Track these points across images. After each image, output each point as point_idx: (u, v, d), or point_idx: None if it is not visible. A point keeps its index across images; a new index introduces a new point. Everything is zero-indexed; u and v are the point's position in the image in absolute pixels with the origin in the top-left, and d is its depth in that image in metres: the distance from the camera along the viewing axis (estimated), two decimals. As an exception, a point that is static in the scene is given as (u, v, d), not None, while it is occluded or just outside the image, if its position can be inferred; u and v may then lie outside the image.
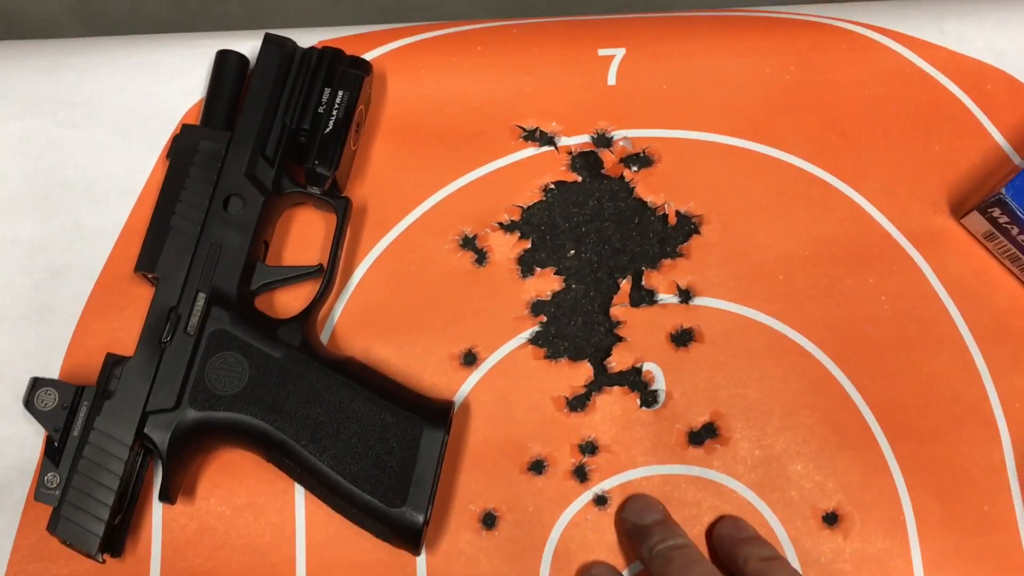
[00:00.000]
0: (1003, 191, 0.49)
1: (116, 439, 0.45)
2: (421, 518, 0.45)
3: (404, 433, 0.46)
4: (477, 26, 0.57)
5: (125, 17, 1.43)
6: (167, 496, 0.46)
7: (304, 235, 0.53)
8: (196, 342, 0.46)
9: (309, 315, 0.48)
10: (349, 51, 0.54)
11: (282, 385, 0.46)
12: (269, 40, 0.51)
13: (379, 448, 0.46)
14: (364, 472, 0.45)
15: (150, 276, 0.48)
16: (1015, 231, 0.49)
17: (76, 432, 0.45)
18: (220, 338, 0.47)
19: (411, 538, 0.45)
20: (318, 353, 0.47)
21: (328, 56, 0.51)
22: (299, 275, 0.50)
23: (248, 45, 0.53)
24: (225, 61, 0.52)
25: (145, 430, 0.45)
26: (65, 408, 0.45)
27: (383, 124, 0.55)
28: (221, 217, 0.48)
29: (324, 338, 0.51)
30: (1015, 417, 0.50)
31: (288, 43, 0.51)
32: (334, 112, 0.50)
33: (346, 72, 0.51)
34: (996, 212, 0.50)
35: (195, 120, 0.53)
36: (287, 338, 0.47)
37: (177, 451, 0.46)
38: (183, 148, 0.50)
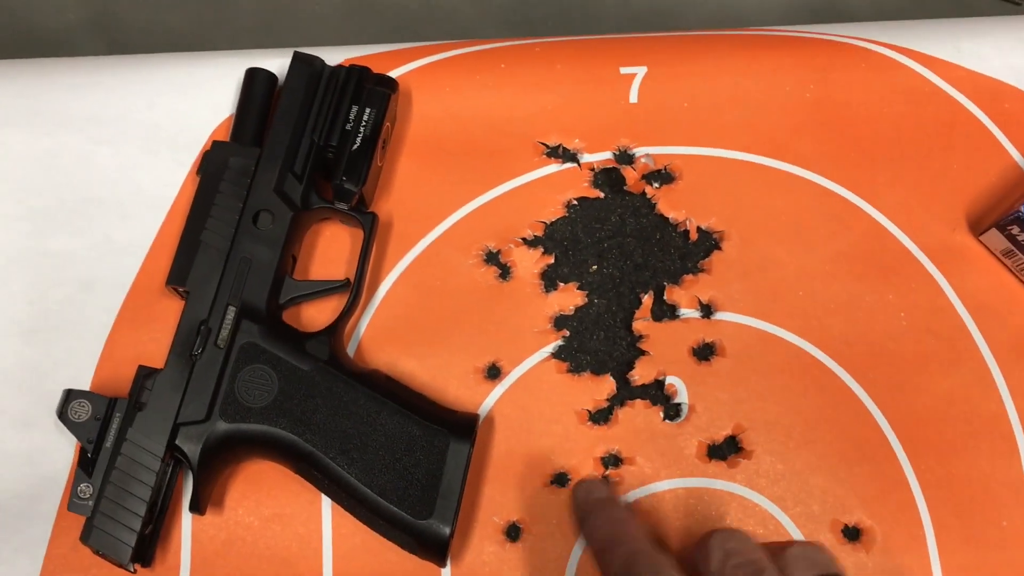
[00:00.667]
0: (1022, 209, 0.49)
1: (148, 450, 0.45)
2: (448, 530, 0.45)
3: (431, 446, 0.46)
4: (501, 44, 0.58)
5: (141, 30, 1.44)
6: (197, 507, 0.46)
7: (331, 250, 0.53)
8: (226, 355, 0.47)
9: (336, 328, 0.49)
10: (375, 69, 0.55)
11: (311, 398, 0.47)
12: (298, 58, 0.52)
13: (406, 460, 0.46)
14: (391, 484, 0.46)
15: (180, 290, 0.49)
16: (1034, 248, 0.50)
17: (109, 443, 0.45)
18: (250, 351, 0.47)
19: (437, 550, 0.45)
20: (345, 366, 0.48)
21: (356, 74, 0.52)
22: (327, 289, 0.51)
23: (276, 63, 0.54)
24: (254, 78, 0.53)
25: (176, 442, 0.46)
26: (98, 420, 0.46)
27: (408, 140, 0.55)
28: (251, 232, 0.49)
29: (350, 351, 0.52)
30: (1033, 432, 0.51)
31: (316, 61, 0.52)
32: (361, 129, 0.51)
33: (373, 90, 0.52)
34: (1015, 229, 0.50)
35: (224, 136, 0.54)
36: (315, 351, 0.48)
37: (207, 462, 0.46)
38: (213, 164, 0.50)
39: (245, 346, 0.47)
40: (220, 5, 1.44)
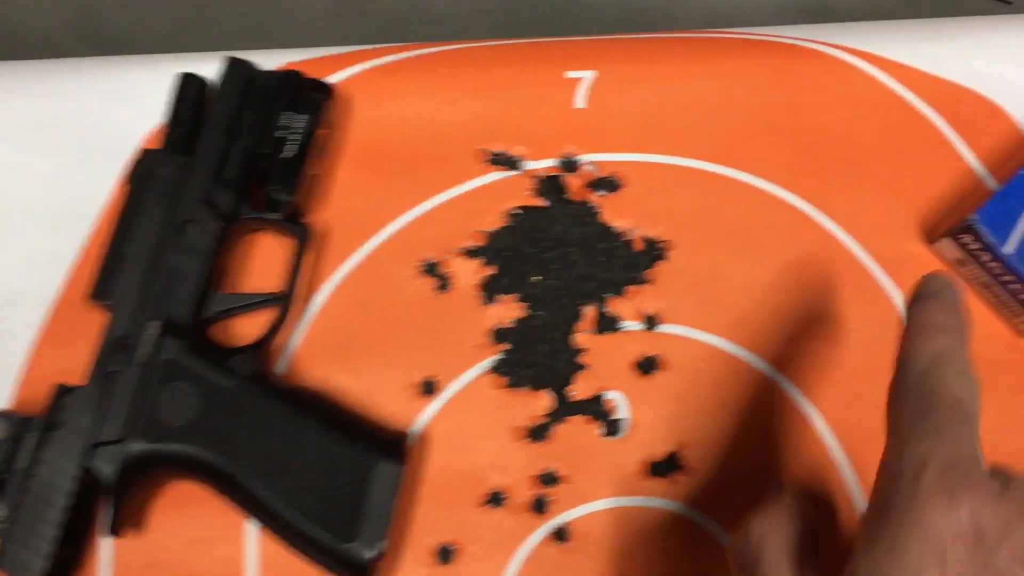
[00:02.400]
0: (973, 217, 0.48)
1: (63, 471, 0.44)
2: (370, 554, 0.44)
3: (356, 466, 0.45)
4: (444, 48, 0.56)
5: (125, 31, 1.43)
6: (115, 530, 0.45)
7: (266, 261, 0.52)
8: (147, 372, 0.46)
9: (264, 344, 0.48)
10: (315, 73, 0.53)
11: (233, 416, 0.45)
12: (230, 63, 0.50)
13: (330, 481, 0.45)
14: (314, 506, 0.44)
15: (104, 304, 0.47)
16: (986, 258, 0.48)
17: (22, 464, 0.44)
18: (172, 368, 0.46)
19: (360, 574, 0.44)
20: (271, 383, 0.47)
21: (289, 80, 0.50)
22: (256, 303, 0.49)
23: (212, 68, 0.52)
24: (186, 84, 0.51)
25: (93, 462, 0.45)
26: (10, 440, 0.44)
27: (348, 148, 0.54)
28: (177, 244, 0.48)
29: (282, 366, 0.50)
30: (986, 448, 0.49)
31: (249, 66, 0.51)
32: (294, 137, 0.49)
33: (307, 96, 0.50)
34: (967, 239, 0.49)
35: (158, 144, 0.52)
36: (239, 368, 0.46)
37: (125, 484, 0.45)
38: (141, 173, 0.49)
39: (167, 363, 0.46)
40: (204, 6, 1.43)
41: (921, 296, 0.36)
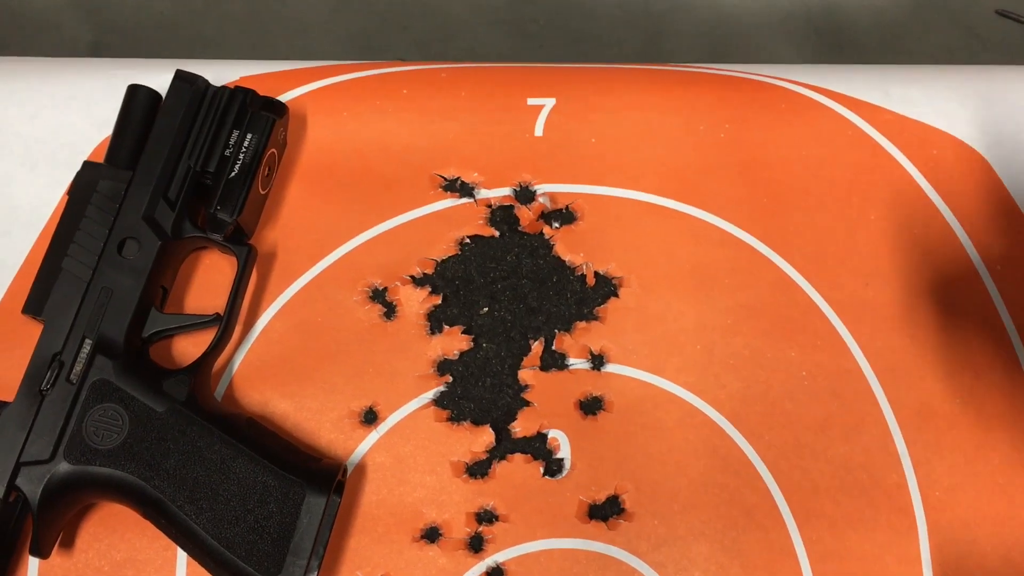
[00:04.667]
0: None
1: (-15, 491, 0.43)
2: (295, 589, 0.43)
3: (285, 497, 0.44)
4: (404, 68, 0.55)
5: (130, 13, 1.42)
6: (39, 550, 0.44)
7: (211, 280, 0.51)
8: (77, 391, 0.45)
9: (200, 367, 0.47)
10: (271, 89, 0.52)
11: (162, 441, 0.44)
12: (179, 77, 0.49)
13: (258, 512, 0.44)
14: (240, 537, 0.43)
15: (37, 319, 0.46)
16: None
17: (-57, 482, 0.43)
18: (102, 389, 0.45)
19: (282, 610, 0.43)
20: (204, 408, 0.46)
21: (239, 97, 0.49)
22: (194, 324, 0.48)
23: (166, 77, 0.51)
24: (135, 96, 0.50)
25: (17, 481, 0.44)
26: (-68, 456, 0.43)
27: (299, 167, 0.53)
28: (114, 261, 0.47)
29: (221, 389, 0.49)
30: (934, 506, 0.48)
31: (199, 81, 0.50)
32: (241, 156, 0.48)
33: (257, 114, 0.49)
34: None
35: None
36: (172, 391, 0.45)
37: (49, 505, 0.44)
38: (82, 186, 0.48)
39: (97, 383, 0.45)
40: None
41: None
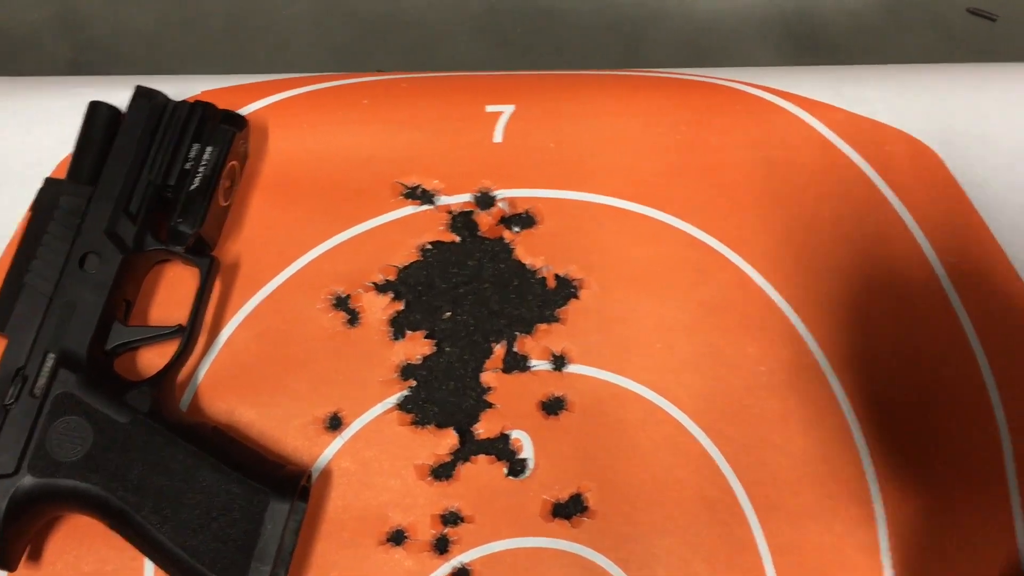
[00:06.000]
0: None
1: (-51, 505, 0.43)
2: (259, 594, 0.43)
3: (249, 505, 0.44)
4: (364, 79, 0.56)
5: (107, 30, 1.42)
6: (5, 563, 0.44)
7: (176, 292, 0.52)
8: (41, 405, 0.45)
9: (163, 378, 0.47)
10: (232, 103, 0.53)
11: (125, 452, 0.45)
12: (139, 93, 0.50)
13: (223, 520, 0.44)
14: (205, 545, 0.44)
15: (1, 334, 0.47)
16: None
17: (-92, 497, 0.43)
18: (65, 402, 0.45)
19: (248, 615, 0.43)
20: (168, 419, 0.46)
21: (199, 110, 0.50)
22: (157, 336, 0.49)
23: (128, 94, 0.51)
24: (95, 113, 0.51)
25: (-18, 496, 0.44)
26: None
27: (262, 178, 0.53)
28: (77, 275, 0.47)
29: (187, 400, 0.50)
30: (891, 498, 0.49)
31: (159, 96, 0.50)
32: (201, 169, 0.49)
33: (216, 128, 0.50)
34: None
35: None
36: (136, 403, 0.46)
37: (15, 518, 0.44)
38: (44, 202, 0.49)
39: (61, 396, 0.45)
40: (188, 5, 1.42)
41: None
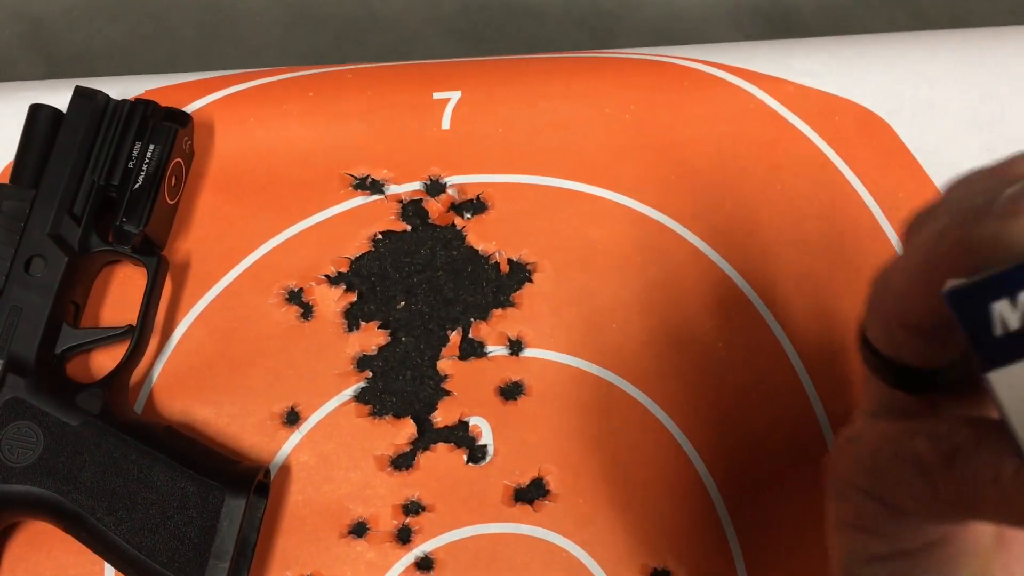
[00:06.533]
0: None
1: (-102, 517, 0.43)
2: (218, 592, 0.43)
3: (205, 502, 0.44)
4: (310, 72, 0.55)
5: (80, 44, 1.41)
6: (-40, 573, 0.44)
7: (127, 293, 0.51)
8: (-11, 412, 0.45)
9: (114, 379, 0.47)
10: (177, 100, 0.52)
11: (77, 455, 0.44)
12: (79, 94, 0.50)
13: (179, 518, 0.44)
14: (161, 544, 0.43)
15: (-53, 343, 0.46)
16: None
17: None
18: (15, 407, 0.45)
19: (207, 613, 0.43)
20: (120, 420, 0.46)
21: (140, 109, 0.50)
22: (106, 337, 0.48)
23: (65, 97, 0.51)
24: (36, 115, 0.50)
25: (-67, 505, 0.43)
26: None
27: (209, 176, 0.53)
28: (22, 280, 0.47)
29: (141, 401, 0.49)
30: (852, 466, 0.49)
31: (99, 96, 0.50)
32: (144, 167, 0.48)
33: (159, 125, 0.49)
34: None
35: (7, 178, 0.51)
36: (86, 405, 0.45)
37: (-33, 527, 0.44)
38: (-13, 208, 0.48)
39: (10, 402, 0.45)
40: (158, 18, 1.41)
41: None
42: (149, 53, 1.40)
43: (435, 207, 0.52)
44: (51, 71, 1.41)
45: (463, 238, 0.52)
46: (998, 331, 0.20)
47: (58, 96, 0.51)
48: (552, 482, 0.49)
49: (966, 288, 0.21)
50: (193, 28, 1.40)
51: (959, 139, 0.55)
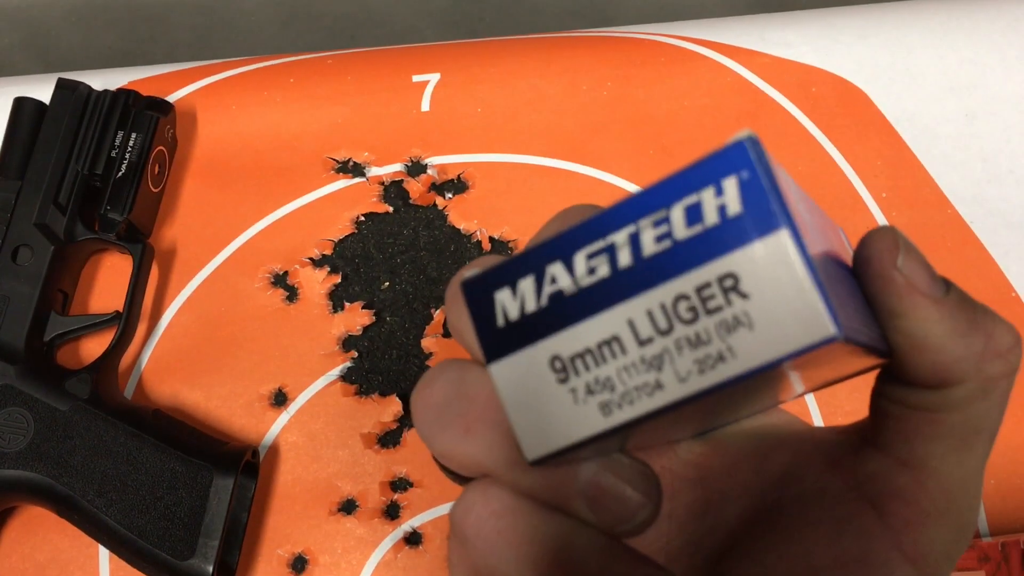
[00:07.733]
0: None
1: None
2: (209, 569, 0.44)
3: (194, 482, 0.45)
4: (290, 59, 0.56)
5: (78, 48, 1.42)
6: (-44, 558, 0.45)
7: (115, 281, 0.52)
8: (-20, 399, 0.45)
9: (102, 365, 0.47)
10: (160, 90, 0.53)
11: (67, 439, 0.45)
12: (61, 86, 0.50)
13: (168, 499, 0.45)
14: (152, 525, 0.44)
15: (-62, 333, 0.47)
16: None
17: None
18: (5, 393, 0.46)
19: (200, 590, 0.44)
20: (109, 404, 0.46)
21: (122, 99, 0.50)
22: (95, 324, 0.49)
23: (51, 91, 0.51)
24: (20, 108, 0.51)
25: (-73, 491, 0.44)
26: None
27: (193, 163, 0.54)
28: (9, 269, 0.48)
29: (131, 386, 0.50)
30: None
31: (81, 87, 0.50)
32: (127, 156, 0.49)
33: (140, 114, 0.50)
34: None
35: None
36: (75, 390, 0.46)
37: (-38, 512, 0.45)
38: (-26, 200, 0.49)
39: (0, 388, 0.46)
40: (154, 20, 1.42)
41: None
42: (145, 56, 1.40)
43: (416, 188, 0.53)
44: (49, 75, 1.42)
45: (445, 218, 0.53)
46: (500, 321, 0.19)
47: (44, 90, 0.51)
48: (537, 455, 0.49)
49: (477, 278, 0.20)
50: (188, 31, 1.41)
51: (937, 105, 0.55)
